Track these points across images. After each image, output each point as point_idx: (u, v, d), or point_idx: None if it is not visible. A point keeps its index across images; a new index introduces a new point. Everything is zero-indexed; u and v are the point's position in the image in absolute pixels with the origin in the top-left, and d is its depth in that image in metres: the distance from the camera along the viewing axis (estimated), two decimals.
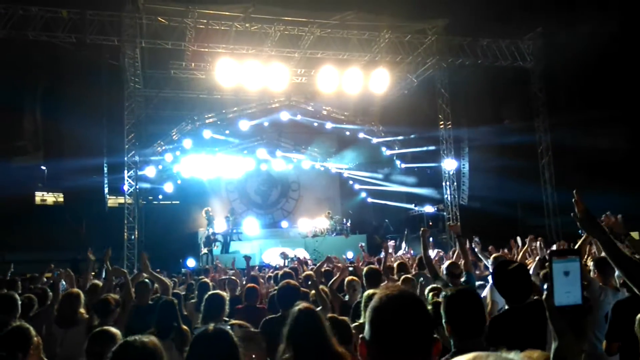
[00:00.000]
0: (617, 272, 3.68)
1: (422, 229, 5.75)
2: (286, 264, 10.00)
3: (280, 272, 6.25)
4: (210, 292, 4.34)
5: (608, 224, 4.33)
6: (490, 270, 5.84)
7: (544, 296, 1.46)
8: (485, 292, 5.56)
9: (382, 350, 1.29)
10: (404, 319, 1.30)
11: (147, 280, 5.43)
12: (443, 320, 2.48)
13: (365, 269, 5.33)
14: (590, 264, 4.59)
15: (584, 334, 1.42)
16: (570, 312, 1.41)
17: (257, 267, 11.63)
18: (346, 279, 5.26)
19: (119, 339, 2.90)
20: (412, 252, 13.41)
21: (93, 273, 7.62)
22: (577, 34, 15.19)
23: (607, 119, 15.79)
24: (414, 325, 1.30)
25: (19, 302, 4.16)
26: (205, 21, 15.11)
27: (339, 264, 6.44)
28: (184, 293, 6.56)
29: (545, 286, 1.47)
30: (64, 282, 6.48)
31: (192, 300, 5.93)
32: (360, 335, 1.35)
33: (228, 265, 10.24)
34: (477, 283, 5.72)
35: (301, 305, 2.76)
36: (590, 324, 4.03)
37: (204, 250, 16.59)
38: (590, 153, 16.43)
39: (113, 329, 3.02)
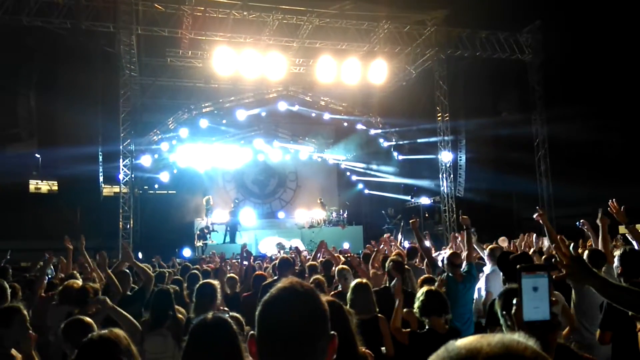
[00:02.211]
0: (616, 263, 3.70)
1: (411, 220, 5.75)
2: (282, 254, 9.99)
3: (277, 261, 6.23)
4: (201, 282, 4.29)
5: (612, 211, 4.38)
6: (486, 261, 5.87)
7: (512, 311, 1.44)
8: (481, 284, 5.59)
9: (267, 347, 1.20)
10: (288, 314, 1.20)
11: (126, 270, 5.40)
12: (500, 312, 2.43)
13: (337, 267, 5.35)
14: (584, 254, 4.64)
15: (551, 348, 1.40)
16: (539, 328, 1.40)
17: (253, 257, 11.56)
18: (337, 268, 5.26)
19: (93, 328, 2.91)
20: (407, 243, 13.42)
21: (65, 261, 7.61)
22: (575, 27, 15.17)
23: (603, 112, 15.82)
24: (301, 320, 1.20)
25: (9, 291, 4.22)
26: (202, 8, 14.95)
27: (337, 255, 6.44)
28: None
29: (514, 301, 1.46)
30: (52, 268, 6.48)
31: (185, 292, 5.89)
32: (251, 332, 1.25)
33: (228, 256, 10.22)
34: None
35: (326, 298, 2.67)
36: (578, 313, 4.12)
37: (199, 243, 16.55)
38: (586, 146, 16.48)
39: (87, 319, 3.03)
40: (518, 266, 1.42)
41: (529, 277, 1.43)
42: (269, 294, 1.28)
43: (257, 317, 1.24)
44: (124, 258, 5.54)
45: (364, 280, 4.02)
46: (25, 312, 3.10)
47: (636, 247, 4.30)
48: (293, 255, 8.31)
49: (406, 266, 5.47)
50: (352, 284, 3.92)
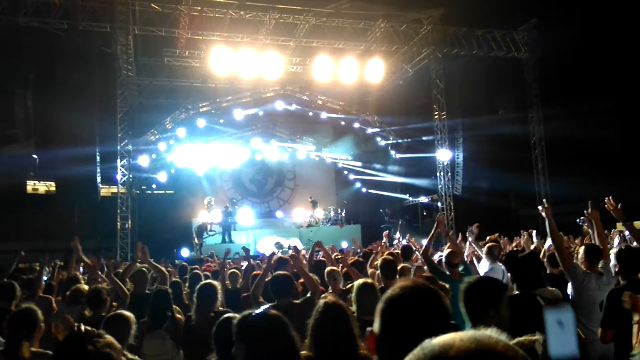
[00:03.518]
0: (613, 262, 3.72)
1: (438, 215, 5.70)
2: (281, 254, 9.98)
3: (275, 258, 6.23)
4: (202, 282, 4.29)
5: (609, 209, 4.39)
6: (484, 258, 5.88)
7: (540, 350, 1.43)
8: None
9: (392, 345, 1.17)
10: (417, 312, 1.20)
11: (144, 269, 5.39)
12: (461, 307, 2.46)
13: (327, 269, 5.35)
14: (580, 249, 4.66)
15: None
16: None
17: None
18: (326, 269, 5.26)
19: (132, 322, 2.93)
20: (405, 242, 13.41)
21: (61, 263, 7.61)
22: (571, 25, 15.19)
23: (599, 110, 15.84)
24: (428, 318, 1.20)
25: (18, 291, 4.29)
26: (199, 8, 14.94)
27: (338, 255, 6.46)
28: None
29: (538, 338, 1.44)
30: (46, 269, 6.48)
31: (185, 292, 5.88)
32: (369, 329, 1.25)
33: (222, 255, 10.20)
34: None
35: (328, 298, 2.64)
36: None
37: (197, 241, 16.54)
38: (583, 144, 16.51)
39: (127, 313, 3.03)
40: (543, 304, 1.38)
41: (553, 311, 1.41)
42: (393, 291, 1.27)
43: (380, 314, 1.24)
44: (139, 258, 5.53)
45: (370, 280, 3.99)
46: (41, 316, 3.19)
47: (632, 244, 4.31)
48: (293, 254, 8.31)
49: (407, 265, 5.45)
50: (357, 283, 3.86)
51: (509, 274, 3.81)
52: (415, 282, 1.32)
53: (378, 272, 5.37)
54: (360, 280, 3.90)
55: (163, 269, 5.26)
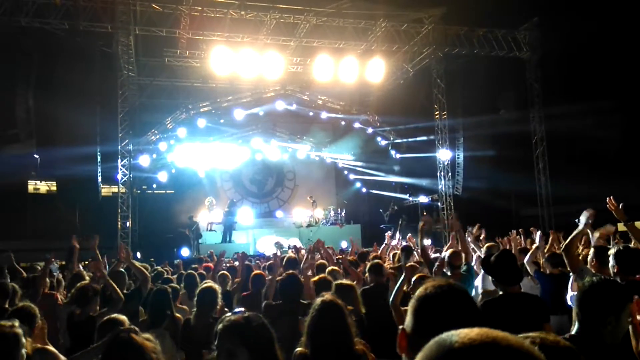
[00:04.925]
0: (611, 262, 3.71)
1: (422, 220, 5.74)
2: (280, 254, 9.98)
3: (284, 259, 6.29)
4: (202, 285, 4.29)
5: (610, 209, 4.38)
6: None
7: None
8: (477, 282, 5.61)
9: (424, 343, 1.20)
10: (451, 310, 1.22)
11: (122, 270, 5.43)
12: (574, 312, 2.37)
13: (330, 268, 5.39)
14: (590, 251, 4.62)
15: None
16: None
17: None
18: (327, 269, 5.29)
19: (127, 325, 2.92)
20: (403, 242, 13.39)
21: (62, 263, 7.62)
22: (573, 24, 15.18)
23: (601, 109, 15.81)
24: (462, 316, 1.21)
25: (10, 289, 4.35)
26: (200, 8, 14.95)
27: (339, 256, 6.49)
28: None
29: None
30: (55, 264, 6.50)
31: (181, 292, 5.89)
32: (401, 327, 1.25)
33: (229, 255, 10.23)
34: None
35: (326, 297, 2.67)
36: None
37: (188, 232, 16.49)
38: (585, 143, 16.49)
39: (121, 317, 3.03)
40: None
41: None
42: (426, 290, 1.29)
43: (413, 312, 1.25)
44: (123, 258, 5.57)
45: (347, 282, 4.09)
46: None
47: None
48: (292, 252, 8.33)
49: (415, 265, 5.45)
50: (334, 284, 3.93)
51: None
52: (448, 281, 1.33)
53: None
54: (336, 282, 3.99)
55: (144, 270, 5.26)
